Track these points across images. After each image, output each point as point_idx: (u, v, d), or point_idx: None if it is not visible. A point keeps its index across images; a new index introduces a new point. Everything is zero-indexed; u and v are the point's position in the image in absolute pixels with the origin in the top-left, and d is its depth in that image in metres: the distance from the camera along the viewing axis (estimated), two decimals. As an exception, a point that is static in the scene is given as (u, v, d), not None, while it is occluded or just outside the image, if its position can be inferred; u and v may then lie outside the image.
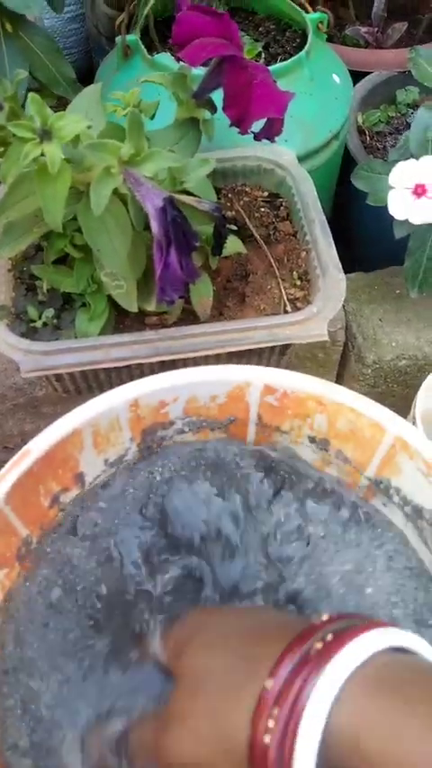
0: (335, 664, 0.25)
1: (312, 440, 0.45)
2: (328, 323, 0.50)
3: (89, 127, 0.40)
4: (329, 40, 0.74)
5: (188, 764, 0.28)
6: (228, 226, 0.50)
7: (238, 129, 0.49)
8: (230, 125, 0.47)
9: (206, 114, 0.49)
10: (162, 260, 0.41)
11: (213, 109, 0.51)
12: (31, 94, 0.38)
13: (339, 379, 0.69)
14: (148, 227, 0.42)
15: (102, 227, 0.44)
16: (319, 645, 0.27)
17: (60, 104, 0.65)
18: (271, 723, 0.25)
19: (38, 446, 0.41)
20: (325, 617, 0.29)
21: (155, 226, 0.40)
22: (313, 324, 0.49)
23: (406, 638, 0.27)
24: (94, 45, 0.88)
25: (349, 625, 0.28)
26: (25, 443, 0.79)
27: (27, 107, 0.41)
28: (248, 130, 0.47)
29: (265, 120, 0.49)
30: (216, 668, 0.29)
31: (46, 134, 0.38)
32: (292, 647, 0.27)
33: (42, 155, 0.38)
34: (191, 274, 0.43)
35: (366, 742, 0.24)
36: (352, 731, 0.25)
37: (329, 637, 0.27)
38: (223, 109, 0.46)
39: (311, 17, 0.66)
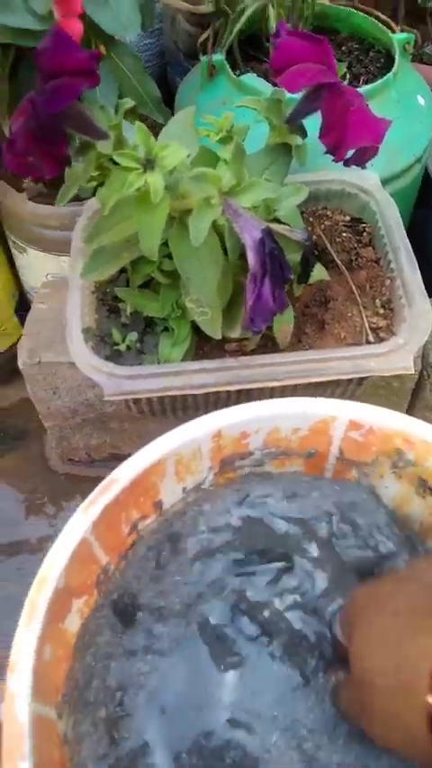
0: None
1: (398, 476, 0.44)
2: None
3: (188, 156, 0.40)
4: (406, 58, 0.72)
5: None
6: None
7: (331, 157, 0.48)
8: (325, 152, 0.46)
9: (298, 140, 0.48)
10: (255, 291, 0.41)
11: (304, 134, 0.50)
12: (137, 124, 0.38)
13: (411, 409, 0.67)
14: (242, 257, 0.42)
15: (194, 256, 0.44)
16: None
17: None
18: None
19: (124, 475, 0.41)
20: None
21: (252, 257, 0.39)
22: (398, 356, 0.48)
23: None
24: (171, 60, 0.88)
25: None
26: (90, 457, 0.79)
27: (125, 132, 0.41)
28: (344, 158, 0.46)
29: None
30: (401, 614, 0.30)
31: (149, 164, 0.38)
32: None
33: (145, 184, 0.38)
34: (281, 305, 0.42)
35: None
36: None
37: None
38: (320, 136, 0.45)
39: (398, 38, 0.65)
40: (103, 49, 0.58)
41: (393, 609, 0.30)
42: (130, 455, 0.78)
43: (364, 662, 0.30)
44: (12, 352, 0.83)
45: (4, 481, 0.78)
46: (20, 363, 0.63)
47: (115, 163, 0.45)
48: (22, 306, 0.83)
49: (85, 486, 0.77)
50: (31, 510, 0.76)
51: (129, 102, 0.41)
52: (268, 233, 0.39)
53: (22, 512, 0.76)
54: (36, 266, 0.73)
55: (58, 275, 0.72)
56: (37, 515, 0.76)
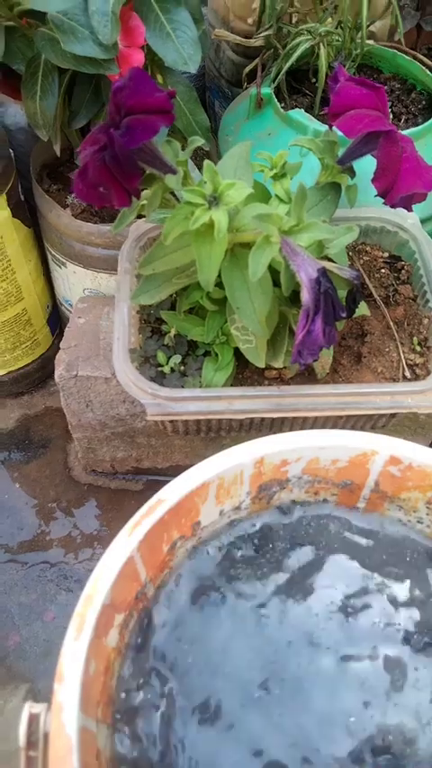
0: None
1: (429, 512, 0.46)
2: (448, 394, 0.50)
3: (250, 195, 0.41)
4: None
5: None
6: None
7: (371, 193, 0.50)
8: (376, 195, 0.48)
9: (349, 180, 0.50)
10: (306, 327, 0.42)
11: (353, 174, 0.52)
12: (206, 162, 0.40)
13: (435, 441, 0.69)
14: (294, 293, 0.44)
15: (245, 287, 0.45)
16: None
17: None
18: None
19: (171, 496, 0.42)
20: None
21: (306, 295, 0.41)
22: (436, 395, 0.49)
23: None
24: (212, 86, 0.91)
25: None
26: (114, 469, 0.81)
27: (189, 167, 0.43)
28: (395, 203, 0.47)
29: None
30: None
31: (215, 200, 0.40)
32: None
33: (210, 220, 0.39)
34: (330, 341, 0.44)
35: None
36: None
37: None
38: (372, 180, 0.47)
39: (442, 82, 0.67)
40: (160, 78, 0.60)
41: None
42: (151, 469, 0.80)
43: None
44: (41, 361, 0.85)
45: (27, 488, 0.80)
46: (56, 376, 0.64)
47: (174, 195, 0.47)
48: (54, 317, 0.84)
49: (105, 496, 0.79)
50: (53, 518, 0.77)
51: (197, 141, 0.43)
52: (324, 273, 0.41)
53: (43, 519, 0.77)
54: (73, 281, 0.74)
55: (94, 291, 0.74)
56: (58, 524, 0.77)
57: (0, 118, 0.76)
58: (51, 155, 0.69)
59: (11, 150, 0.70)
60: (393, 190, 0.47)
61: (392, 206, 0.50)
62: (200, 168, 0.58)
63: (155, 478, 0.80)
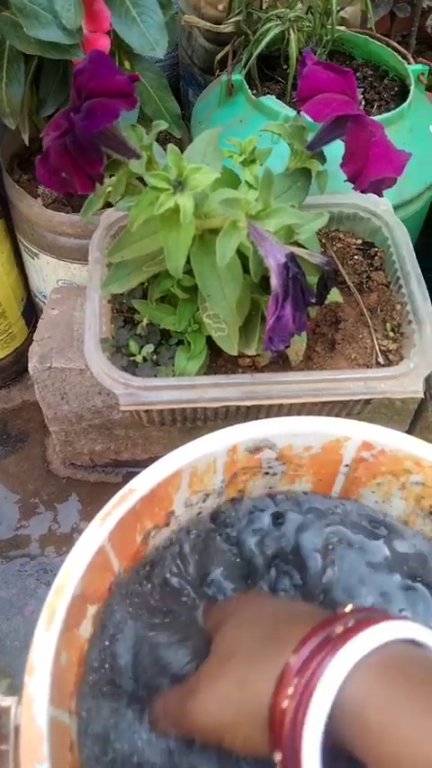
0: (350, 646, 0.29)
1: (404, 497, 0.46)
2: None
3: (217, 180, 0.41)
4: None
5: (213, 725, 0.32)
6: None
7: (342, 179, 0.50)
8: (345, 180, 0.48)
9: (319, 166, 0.50)
10: (275, 313, 0.42)
11: (323, 160, 0.51)
12: (170, 146, 0.39)
13: (412, 428, 0.69)
14: (263, 278, 0.43)
15: (214, 274, 0.45)
16: (339, 629, 0.30)
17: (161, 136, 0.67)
18: (290, 691, 0.29)
19: (142, 485, 0.42)
20: (348, 608, 0.33)
21: (275, 280, 0.41)
22: (409, 380, 0.49)
23: (420, 632, 0.30)
24: (185, 74, 0.90)
25: (369, 616, 0.31)
26: (93, 462, 0.80)
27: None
28: (364, 187, 0.47)
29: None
30: (248, 641, 0.33)
31: (180, 185, 0.39)
32: (316, 630, 0.31)
33: (176, 205, 0.39)
34: (301, 327, 0.43)
35: (368, 714, 0.27)
36: (357, 703, 0.28)
37: (351, 623, 0.30)
38: (341, 165, 0.47)
39: (413, 68, 0.66)
40: (127, 64, 0.59)
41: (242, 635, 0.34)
42: (129, 461, 0.80)
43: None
44: (17, 355, 0.84)
45: (6, 483, 0.79)
46: (30, 368, 0.63)
47: (142, 181, 0.46)
48: (29, 309, 0.83)
49: (84, 489, 0.79)
50: (32, 512, 0.77)
51: (162, 125, 0.43)
52: (292, 258, 0.40)
53: (22, 514, 0.77)
54: (47, 272, 0.73)
55: (68, 281, 0.73)
56: (38, 518, 0.76)
57: (-31, 107, 0.75)
58: (21, 144, 0.68)
59: (-21, 140, 0.69)
60: (363, 175, 0.47)
61: (362, 191, 0.50)
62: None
63: (134, 470, 0.78)
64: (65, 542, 0.75)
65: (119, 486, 0.84)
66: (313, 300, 0.42)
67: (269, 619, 0.35)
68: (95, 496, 0.79)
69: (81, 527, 0.76)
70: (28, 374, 0.87)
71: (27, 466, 0.81)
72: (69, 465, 0.79)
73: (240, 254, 0.45)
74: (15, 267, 0.77)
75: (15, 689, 0.51)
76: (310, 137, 0.50)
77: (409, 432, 0.69)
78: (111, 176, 0.44)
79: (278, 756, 0.30)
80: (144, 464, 0.78)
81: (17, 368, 0.86)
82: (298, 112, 0.49)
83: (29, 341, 0.84)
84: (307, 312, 0.53)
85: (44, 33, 0.51)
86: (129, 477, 0.80)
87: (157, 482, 0.42)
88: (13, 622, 0.69)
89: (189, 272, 0.47)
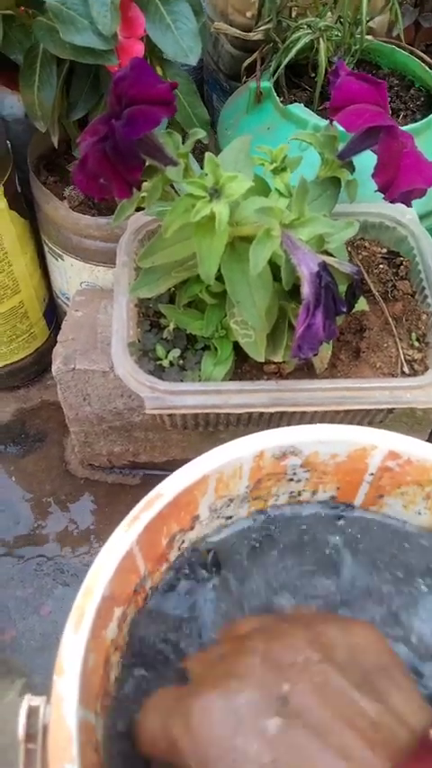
0: None
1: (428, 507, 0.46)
2: (446, 389, 0.50)
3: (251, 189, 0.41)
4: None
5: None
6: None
7: (370, 189, 0.50)
8: (376, 190, 0.48)
9: (349, 175, 0.50)
10: (306, 321, 0.42)
11: (353, 169, 0.52)
12: (207, 154, 0.39)
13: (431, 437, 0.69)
14: (294, 287, 0.44)
15: (245, 281, 0.45)
16: None
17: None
18: None
19: (170, 490, 0.42)
20: None
21: (307, 289, 0.41)
22: (435, 390, 0.50)
23: None
24: (209, 78, 0.90)
25: None
26: (111, 463, 0.81)
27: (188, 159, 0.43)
28: (395, 198, 0.47)
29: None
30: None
31: (216, 193, 0.39)
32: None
33: (211, 212, 0.39)
34: (330, 335, 0.44)
35: None
36: None
37: None
38: (373, 175, 0.47)
39: (441, 78, 0.67)
40: (159, 70, 0.59)
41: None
42: (147, 464, 0.80)
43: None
44: (37, 355, 0.85)
45: (24, 482, 0.80)
46: (54, 369, 0.64)
47: (174, 188, 0.46)
48: (50, 310, 0.84)
49: (102, 490, 0.79)
50: (49, 512, 0.77)
51: (199, 133, 0.43)
52: (324, 267, 0.41)
53: (39, 513, 0.77)
54: (70, 274, 0.74)
55: (91, 284, 0.74)
56: (54, 517, 0.77)
57: (-3, 109, 0.76)
58: (48, 146, 0.69)
59: (8, 141, 0.69)
60: (393, 185, 0.47)
61: (392, 201, 0.50)
62: (198, 161, 0.58)
63: (152, 473, 0.80)
64: (81, 542, 0.75)
65: (136, 487, 0.85)
66: (344, 309, 0.42)
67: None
68: (112, 497, 0.79)
69: (98, 528, 0.77)
70: (47, 374, 0.87)
71: (45, 466, 0.81)
72: (87, 466, 0.79)
73: (270, 261, 0.45)
74: (39, 268, 0.78)
75: (31, 688, 0.51)
76: (340, 146, 0.50)
77: (429, 440, 0.69)
78: (144, 182, 0.45)
79: None
80: (162, 466, 0.79)
81: (37, 368, 0.86)
82: (330, 122, 0.49)
83: (49, 341, 0.85)
84: (335, 320, 0.53)
85: (80, 39, 0.51)
86: (146, 478, 0.81)
87: (185, 487, 0.43)
88: (29, 622, 0.70)
89: (218, 278, 0.48)
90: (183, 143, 0.43)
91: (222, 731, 0.24)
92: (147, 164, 0.43)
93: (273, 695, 0.24)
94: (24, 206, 0.72)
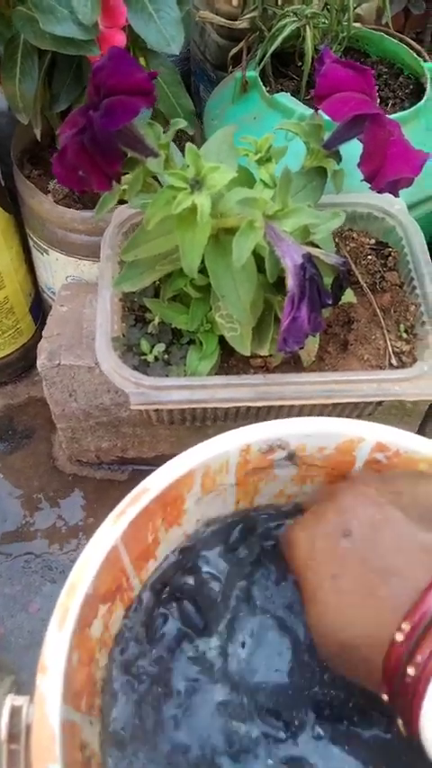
0: None
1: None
2: None
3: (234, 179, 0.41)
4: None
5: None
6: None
7: (357, 179, 0.50)
8: (362, 180, 0.47)
9: (335, 165, 0.49)
10: (291, 313, 0.42)
11: (339, 159, 0.51)
12: (188, 145, 0.39)
13: (422, 429, 0.68)
14: (279, 280, 0.43)
15: (229, 274, 0.45)
16: None
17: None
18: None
19: (156, 485, 0.42)
20: None
21: (291, 281, 0.40)
22: (423, 382, 0.49)
23: None
24: (196, 69, 0.89)
25: None
26: (99, 459, 0.80)
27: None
28: (381, 187, 0.47)
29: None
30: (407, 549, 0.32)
31: (197, 184, 0.39)
32: None
33: (193, 204, 0.39)
34: (316, 328, 0.43)
35: None
36: None
37: None
38: (359, 165, 0.46)
39: (430, 66, 0.66)
40: (143, 60, 0.59)
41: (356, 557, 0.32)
42: (136, 459, 0.79)
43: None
44: (24, 351, 0.84)
45: (12, 479, 0.79)
46: (39, 365, 0.63)
47: (156, 179, 0.46)
48: (36, 305, 0.83)
49: (90, 486, 0.78)
50: (37, 508, 0.77)
51: (180, 123, 0.42)
52: (309, 259, 0.40)
53: (27, 510, 0.77)
54: (56, 268, 0.73)
55: (77, 278, 0.73)
56: (43, 514, 0.76)
57: (-21, 101, 0.75)
58: (32, 139, 0.68)
59: (-9, 134, 0.68)
60: (380, 174, 0.46)
61: (379, 191, 0.49)
62: (183, 153, 0.57)
63: (140, 468, 0.79)
64: (70, 539, 0.75)
65: (124, 483, 0.84)
66: (329, 302, 0.41)
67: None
68: (101, 493, 0.78)
69: (86, 524, 0.76)
70: (34, 370, 0.87)
71: (32, 462, 0.81)
72: (75, 462, 0.79)
73: (255, 253, 0.44)
74: (24, 263, 0.77)
75: (20, 685, 0.50)
76: (326, 135, 0.50)
77: (420, 433, 0.68)
78: (125, 174, 0.44)
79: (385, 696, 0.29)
80: (150, 462, 0.79)
81: (24, 364, 0.85)
82: (315, 110, 0.48)
83: (36, 337, 0.84)
84: (321, 312, 0.53)
85: (60, 29, 0.50)
86: (135, 474, 0.81)
87: (171, 481, 0.42)
88: (18, 619, 0.69)
89: (203, 271, 0.47)
90: (165, 133, 0.42)
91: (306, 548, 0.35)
92: (128, 155, 0.42)
93: (339, 530, 0.34)
94: (8, 200, 0.71)
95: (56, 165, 0.40)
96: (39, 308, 0.84)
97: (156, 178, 0.46)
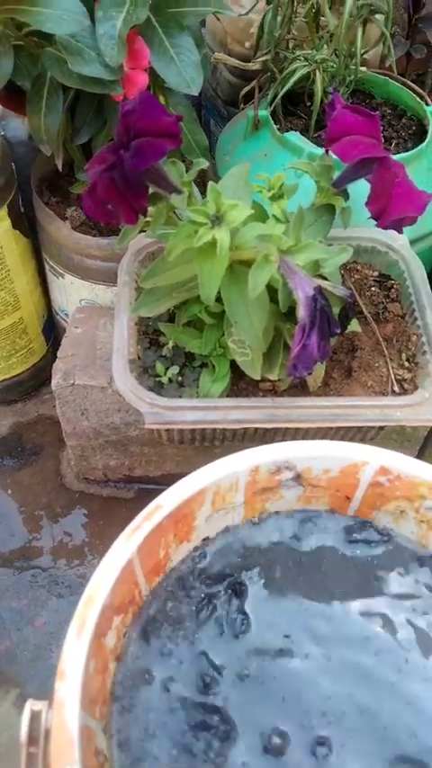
0: None
1: (419, 520, 0.48)
2: None
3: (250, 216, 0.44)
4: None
5: None
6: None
7: (363, 215, 0.53)
8: (369, 218, 0.50)
9: (343, 202, 0.52)
10: (301, 342, 0.44)
11: (347, 197, 0.54)
12: (210, 183, 0.42)
13: (421, 453, 0.71)
14: (290, 309, 0.46)
15: (243, 302, 0.47)
16: None
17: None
18: None
19: (169, 502, 0.44)
20: None
21: (303, 311, 0.43)
22: (424, 408, 0.52)
23: None
24: (207, 104, 0.93)
25: None
26: (106, 477, 0.82)
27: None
28: (387, 225, 0.50)
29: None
30: None
31: (218, 220, 0.41)
32: None
33: (213, 239, 0.41)
34: (324, 355, 0.46)
35: None
36: None
37: None
38: (366, 204, 0.49)
39: (431, 109, 0.70)
40: (162, 98, 0.62)
41: None
42: (142, 478, 0.81)
43: None
44: (35, 370, 0.86)
45: (19, 495, 0.81)
46: (53, 384, 0.66)
47: (175, 213, 0.48)
48: (48, 326, 0.86)
49: (96, 504, 0.80)
50: (45, 525, 0.78)
51: (202, 163, 0.45)
52: (320, 291, 0.43)
53: (34, 526, 0.78)
54: (70, 291, 0.76)
55: (91, 301, 0.75)
56: (50, 530, 0.78)
57: (1, 132, 0.78)
58: (51, 168, 0.71)
59: (12, 164, 0.71)
60: (386, 213, 0.49)
61: (384, 228, 0.52)
62: (197, 185, 0.60)
63: (146, 487, 0.81)
64: (76, 555, 0.76)
65: (131, 501, 0.86)
66: (338, 331, 0.44)
67: None
68: (107, 511, 0.80)
69: (92, 541, 0.78)
70: (44, 389, 0.89)
71: (40, 479, 0.82)
72: (82, 479, 0.80)
73: (267, 284, 0.47)
74: (39, 286, 0.80)
75: (25, 698, 0.52)
76: (335, 175, 0.53)
77: (418, 457, 0.71)
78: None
79: None
80: (156, 480, 0.81)
81: (34, 382, 0.88)
82: (326, 152, 0.51)
83: (47, 357, 0.87)
84: (329, 341, 0.55)
85: (87, 69, 0.54)
86: (141, 492, 0.83)
87: (184, 499, 0.44)
88: (24, 633, 0.71)
89: (218, 299, 0.50)
90: (186, 171, 0.45)
91: None
92: (151, 191, 0.45)
93: None
94: (27, 225, 0.74)
95: (85, 198, 0.43)
96: (51, 330, 0.86)
97: (174, 211, 0.49)
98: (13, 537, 0.77)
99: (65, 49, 0.53)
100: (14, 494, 0.81)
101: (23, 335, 0.80)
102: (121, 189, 0.40)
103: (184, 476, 0.45)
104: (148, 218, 0.46)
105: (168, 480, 0.44)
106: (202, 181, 0.64)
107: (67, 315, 0.79)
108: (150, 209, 0.45)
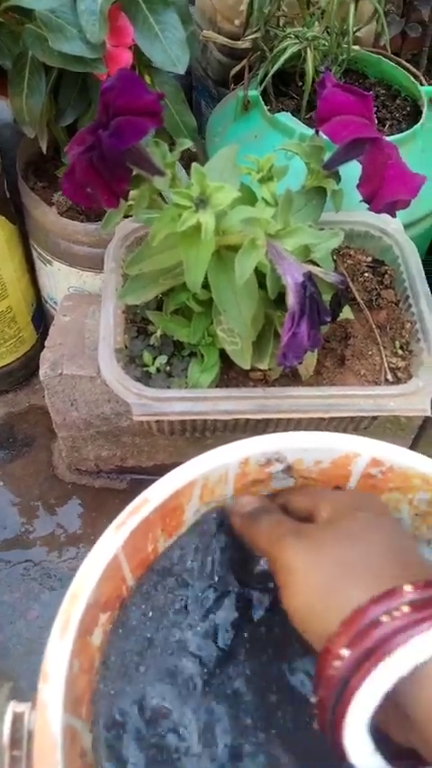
0: None
1: (412, 512, 0.46)
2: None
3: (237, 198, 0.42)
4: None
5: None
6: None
7: (355, 198, 0.51)
8: (361, 201, 0.49)
9: (335, 185, 0.51)
10: (291, 330, 0.43)
11: (338, 179, 0.52)
12: (194, 165, 0.40)
13: (415, 443, 0.70)
14: (280, 296, 0.44)
15: (230, 290, 0.46)
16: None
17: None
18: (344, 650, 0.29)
19: (156, 495, 0.43)
20: None
21: (292, 298, 0.42)
22: (417, 398, 0.50)
23: None
24: (198, 85, 0.91)
25: None
26: (98, 468, 0.81)
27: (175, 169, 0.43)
28: (380, 209, 0.48)
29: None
30: (375, 558, 0.34)
31: (202, 203, 0.40)
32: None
33: (197, 222, 0.40)
34: (315, 344, 0.44)
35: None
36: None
37: None
38: (358, 186, 0.48)
39: (427, 90, 0.67)
40: (147, 78, 0.60)
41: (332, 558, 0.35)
42: (135, 468, 0.80)
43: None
44: (25, 359, 0.85)
45: (11, 486, 0.80)
46: (41, 374, 0.64)
47: (161, 196, 0.47)
48: (38, 314, 0.84)
49: (89, 495, 0.79)
50: (36, 517, 0.77)
51: (186, 143, 0.43)
52: (309, 277, 0.41)
53: (27, 518, 0.77)
54: (58, 279, 0.74)
55: (79, 289, 0.74)
56: (42, 522, 0.77)
57: (-15, 114, 0.76)
58: (36, 151, 0.69)
59: (-4, 147, 0.69)
60: (378, 196, 0.48)
61: (377, 212, 0.51)
62: (187, 168, 0.59)
63: (139, 477, 0.80)
64: (68, 547, 0.76)
65: (123, 492, 0.85)
66: (328, 319, 0.42)
67: (398, 547, 0.36)
68: (100, 502, 0.79)
69: (85, 532, 0.77)
70: (35, 378, 0.87)
71: (32, 470, 0.81)
72: (74, 470, 0.79)
73: (256, 270, 0.46)
74: (27, 273, 0.78)
75: (18, 692, 0.51)
76: (326, 156, 0.51)
77: (413, 447, 0.70)
78: (131, 190, 0.45)
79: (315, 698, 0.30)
80: (149, 471, 0.80)
81: (25, 372, 0.86)
82: (316, 132, 0.50)
83: (37, 346, 0.85)
84: (320, 329, 0.54)
85: (68, 47, 0.52)
86: (133, 483, 0.81)
87: (171, 492, 0.43)
88: (16, 626, 0.70)
89: (205, 286, 0.48)
90: (170, 152, 0.44)
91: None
92: (134, 173, 0.43)
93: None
94: (13, 211, 0.72)
95: (65, 181, 0.41)
96: (40, 318, 0.85)
97: (160, 194, 0.47)
98: (4, 529, 0.76)
99: (45, 25, 0.51)
100: (6, 485, 0.80)
101: (12, 324, 0.79)
102: (101, 171, 0.38)
103: (176, 466, 0.44)
104: (131, 202, 0.45)
105: (161, 471, 0.42)
106: (192, 163, 0.61)
107: (55, 302, 0.78)
108: (133, 192, 0.44)
